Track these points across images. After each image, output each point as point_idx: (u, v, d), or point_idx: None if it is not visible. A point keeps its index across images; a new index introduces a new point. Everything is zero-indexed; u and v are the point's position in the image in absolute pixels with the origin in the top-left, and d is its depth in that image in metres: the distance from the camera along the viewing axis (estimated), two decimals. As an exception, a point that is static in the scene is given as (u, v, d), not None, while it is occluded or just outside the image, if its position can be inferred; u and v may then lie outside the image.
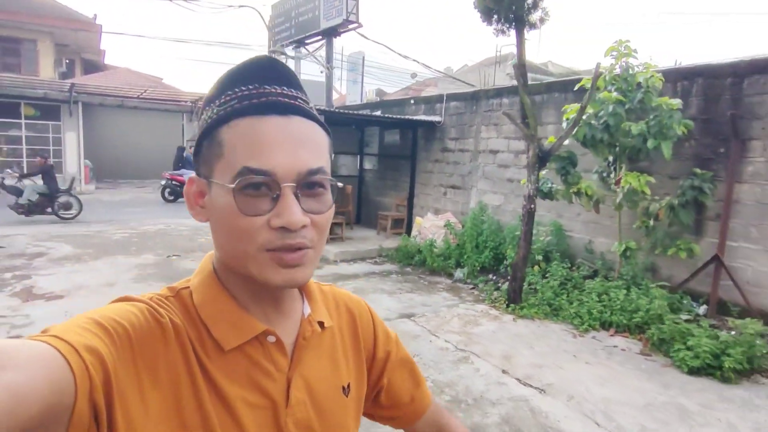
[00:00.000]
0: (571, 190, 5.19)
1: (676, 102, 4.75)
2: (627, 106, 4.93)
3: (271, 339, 0.65)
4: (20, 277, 6.22)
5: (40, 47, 19.82)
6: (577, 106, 5.12)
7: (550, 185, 5.46)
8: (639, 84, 4.90)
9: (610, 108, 4.80)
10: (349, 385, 0.74)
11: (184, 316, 0.62)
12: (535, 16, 4.78)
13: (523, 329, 4.95)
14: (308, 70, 15.53)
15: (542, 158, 5.09)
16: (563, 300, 5.34)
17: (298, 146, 0.58)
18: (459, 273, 6.89)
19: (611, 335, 4.84)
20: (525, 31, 4.88)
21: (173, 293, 0.64)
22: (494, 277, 6.65)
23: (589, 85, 5.07)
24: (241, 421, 0.60)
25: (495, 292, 5.97)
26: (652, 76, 4.87)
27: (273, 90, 0.60)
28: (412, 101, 9.22)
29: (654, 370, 4.12)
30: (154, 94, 16.83)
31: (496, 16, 4.73)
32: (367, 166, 10.59)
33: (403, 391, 0.85)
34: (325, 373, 0.71)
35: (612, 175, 5.36)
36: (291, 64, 13.31)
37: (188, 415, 0.57)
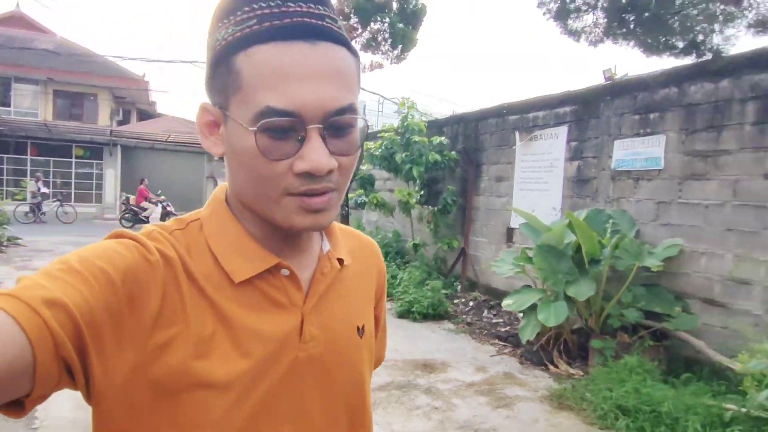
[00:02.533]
0: (368, 201, 7.37)
1: (426, 139, 6.90)
2: (404, 142, 7.13)
3: (285, 272, 0.61)
4: (25, 260, 9.04)
5: (99, 100, 24.14)
6: (378, 142, 7.36)
7: (362, 199, 7.64)
8: (409, 127, 7.10)
9: (384, 143, 7.02)
10: (363, 327, 0.71)
11: (191, 249, 0.59)
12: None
13: (326, 296, 7.10)
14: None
15: (348, 178, 7.33)
16: (369, 280, 7.43)
17: (326, 80, 0.52)
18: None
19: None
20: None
21: (181, 225, 0.61)
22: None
23: (396, 124, 7.35)
24: (249, 355, 0.57)
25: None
26: (417, 123, 7.06)
27: (298, 8, 0.53)
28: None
29: (378, 315, 6.16)
30: (177, 138, 20.29)
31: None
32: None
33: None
34: (342, 311, 0.68)
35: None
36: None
37: (181, 353, 0.54)
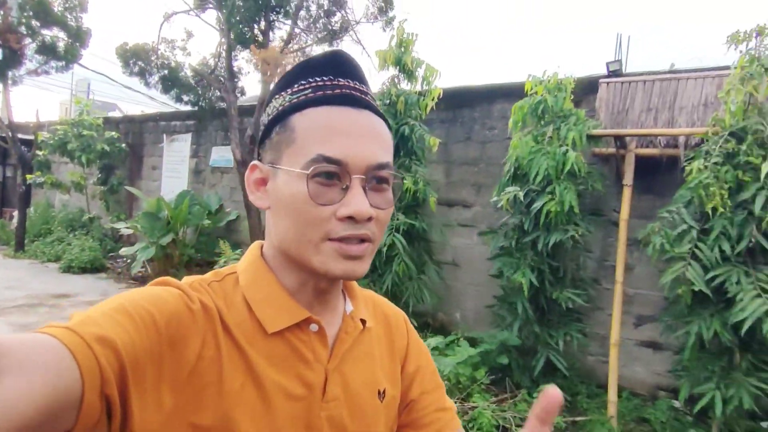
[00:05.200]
0: (45, 181, 8.84)
1: (95, 133, 8.72)
2: (77, 134, 8.76)
3: (314, 327, 0.65)
4: None
5: None
6: (52, 134, 8.80)
7: (41, 179, 9.02)
8: (82, 123, 8.77)
9: (59, 134, 8.57)
10: (384, 391, 0.72)
11: (226, 300, 0.62)
12: (14, 74, 8.36)
13: (-1, 261, 8.34)
14: None
15: (24, 162, 8.64)
16: (46, 247, 8.88)
17: (370, 139, 0.61)
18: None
19: (56, 263, 8.46)
20: (8, 85, 8.43)
21: (218, 278, 0.65)
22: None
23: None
24: (274, 411, 0.59)
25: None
26: (90, 119, 8.79)
27: (347, 83, 0.63)
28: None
29: (44, 271, 7.81)
30: None
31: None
32: (8, 173, 13.25)
33: (428, 413, 0.77)
34: (363, 373, 0.70)
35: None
36: None
37: (212, 402, 0.56)
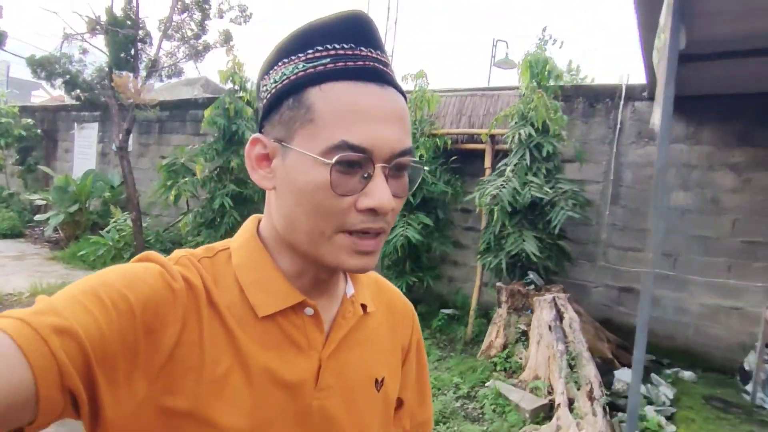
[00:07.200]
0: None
1: (11, 120, 10.15)
2: (2, 121, 10.15)
3: (309, 311, 0.62)
4: None
5: None
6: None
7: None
8: (6, 112, 10.16)
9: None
10: (383, 380, 0.69)
11: (217, 278, 0.60)
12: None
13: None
14: None
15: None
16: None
17: (395, 122, 0.56)
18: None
19: (-19, 232, 9.89)
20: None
21: (210, 254, 0.62)
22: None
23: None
24: (261, 398, 0.57)
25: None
26: (6, 108, 10.20)
27: (369, 54, 0.56)
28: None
29: (-32, 237, 9.29)
30: None
31: None
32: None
33: (406, 404, 0.78)
34: (361, 361, 0.67)
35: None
36: None
37: (190, 387, 0.53)
